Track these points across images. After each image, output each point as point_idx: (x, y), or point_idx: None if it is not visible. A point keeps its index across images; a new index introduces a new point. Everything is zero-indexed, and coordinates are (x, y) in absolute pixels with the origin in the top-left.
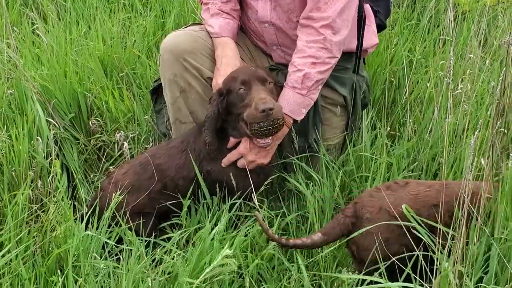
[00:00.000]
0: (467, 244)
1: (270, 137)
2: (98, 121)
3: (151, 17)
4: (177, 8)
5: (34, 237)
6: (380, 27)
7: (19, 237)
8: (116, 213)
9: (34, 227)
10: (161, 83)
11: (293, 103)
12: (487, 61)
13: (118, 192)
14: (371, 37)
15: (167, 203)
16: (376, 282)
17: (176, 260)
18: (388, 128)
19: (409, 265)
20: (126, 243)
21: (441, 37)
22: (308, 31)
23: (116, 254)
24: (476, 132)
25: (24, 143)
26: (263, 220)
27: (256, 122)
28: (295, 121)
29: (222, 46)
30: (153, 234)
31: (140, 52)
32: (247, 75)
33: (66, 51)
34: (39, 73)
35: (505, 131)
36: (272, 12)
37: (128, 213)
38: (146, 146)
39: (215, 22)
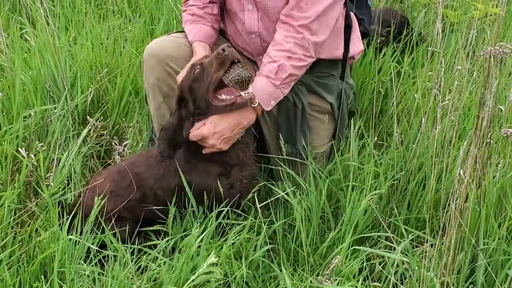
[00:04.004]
0: None
1: (251, 87)
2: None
3: (140, 24)
4: (166, 15)
5: (19, 242)
6: (364, 35)
7: (4, 242)
8: (100, 219)
9: (20, 231)
10: None
11: (265, 91)
12: (475, 73)
13: (97, 198)
14: (356, 43)
15: (154, 207)
16: None
17: (162, 267)
18: (376, 138)
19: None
20: (110, 249)
21: (429, 48)
22: (287, 27)
23: (100, 260)
24: (464, 143)
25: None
26: None
27: (227, 71)
28: (263, 111)
29: (194, 52)
30: (136, 241)
31: (129, 58)
32: (196, 61)
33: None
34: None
35: (490, 141)
36: (259, 22)
37: (105, 218)
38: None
39: (189, 30)
